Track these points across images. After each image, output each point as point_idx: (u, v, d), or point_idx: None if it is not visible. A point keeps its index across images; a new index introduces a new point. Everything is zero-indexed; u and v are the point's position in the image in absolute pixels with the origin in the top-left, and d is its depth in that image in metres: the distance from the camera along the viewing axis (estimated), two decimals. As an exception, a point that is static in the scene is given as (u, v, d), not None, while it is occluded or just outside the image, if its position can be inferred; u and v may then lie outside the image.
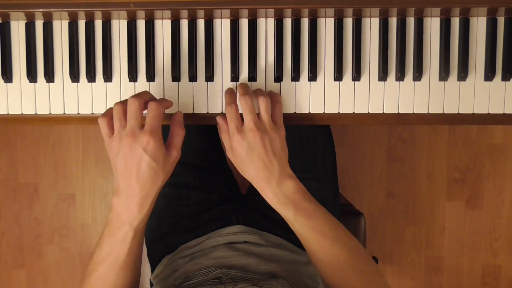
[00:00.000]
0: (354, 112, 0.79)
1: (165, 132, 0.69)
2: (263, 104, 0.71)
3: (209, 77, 0.78)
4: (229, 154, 0.74)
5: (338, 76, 0.78)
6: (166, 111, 0.75)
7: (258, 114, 0.72)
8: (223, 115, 0.76)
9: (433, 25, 0.78)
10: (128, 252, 0.69)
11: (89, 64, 0.78)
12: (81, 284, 0.74)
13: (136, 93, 0.75)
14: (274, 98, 0.74)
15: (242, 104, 0.70)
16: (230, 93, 0.75)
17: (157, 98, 0.74)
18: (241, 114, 0.72)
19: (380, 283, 0.72)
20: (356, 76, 0.78)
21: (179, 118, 0.72)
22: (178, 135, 0.71)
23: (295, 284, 0.75)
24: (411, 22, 0.78)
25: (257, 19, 0.78)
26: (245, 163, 0.71)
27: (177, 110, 0.79)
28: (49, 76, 0.79)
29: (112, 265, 0.70)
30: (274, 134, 0.71)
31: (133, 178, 0.66)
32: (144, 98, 0.68)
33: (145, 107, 0.69)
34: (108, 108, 0.72)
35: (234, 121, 0.71)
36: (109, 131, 0.68)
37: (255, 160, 0.70)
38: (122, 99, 0.79)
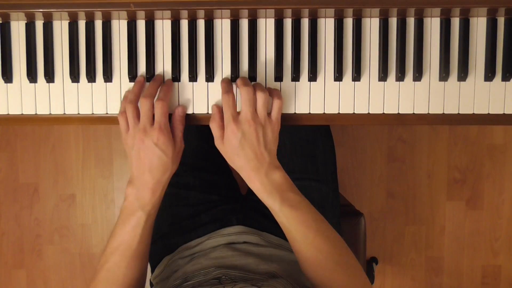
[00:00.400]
0: (354, 113, 0.79)
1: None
2: (261, 99, 0.72)
3: (209, 77, 0.78)
4: (217, 142, 0.75)
5: (338, 76, 0.78)
6: (170, 110, 0.78)
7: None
8: (217, 103, 0.78)
9: (433, 25, 0.78)
10: (140, 239, 0.74)
11: (89, 64, 0.78)
12: (93, 279, 0.76)
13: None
14: (274, 94, 0.75)
15: (244, 95, 0.72)
16: (227, 82, 0.77)
17: (161, 77, 0.79)
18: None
19: (361, 277, 0.73)
20: (356, 76, 0.78)
21: (179, 113, 0.77)
22: (178, 129, 0.76)
23: (294, 284, 0.75)
24: (411, 22, 0.78)
25: (257, 19, 0.78)
26: (236, 152, 0.72)
27: (177, 106, 0.79)
28: (49, 76, 0.79)
29: (124, 253, 0.74)
30: (268, 127, 0.73)
31: (146, 168, 0.73)
32: (154, 94, 0.75)
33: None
34: (121, 105, 0.78)
35: (230, 110, 0.72)
36: (127, 127, 0.75)
37: (247, 150, 0.72)
38: (130, 98, 0.79)
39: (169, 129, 0.74)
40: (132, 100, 0.74)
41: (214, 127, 0.75)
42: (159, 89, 0.77)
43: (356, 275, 0.73)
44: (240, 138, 0.71)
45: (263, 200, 0.74)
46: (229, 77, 0.78)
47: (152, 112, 0.73)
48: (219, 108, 0.76)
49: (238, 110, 0.74)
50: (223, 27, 0.78)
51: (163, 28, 0.78)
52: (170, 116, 0.77)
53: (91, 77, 0.78)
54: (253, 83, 0.78)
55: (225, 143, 0.73)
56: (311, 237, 0.72)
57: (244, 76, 0.79)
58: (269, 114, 0.74)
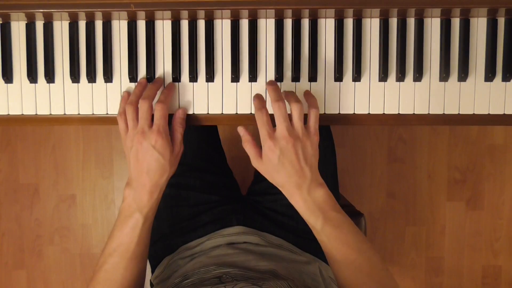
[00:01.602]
0: (354, 113, 0.79)
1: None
2: (296, 111, 0.71)
3: (210, 77, 0.78)
4: (254, 162, 0.73)
5: (339, 77, 0.78)
6: (171, 111, 0.78)
7: (291, 120, 0.71)
8: (243, 125, 0.77)
9: (433, 25, 0.78)
10: (138, 241, 0.74)
11: (89, 64, 0.78)
12: (91, 279, 0.76)
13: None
14: (310, 102, 0.74)
15: (276, 111, 0.70)
16: (259, 98, 0.75)
17: (161, 81, 0.79)
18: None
19: None
20: (357, 77, 0.78)
21: (179, 116, 0.77)
22: (178, 131, 0.76)
23: (295, 283, 0.75)
24: (411, 22, 0.78)
25: (258, 20, 0.78)
26: (277, 169, 0.71)
27: (178, 109, 0.79)
28: (50, 76, 0.79)
29: (122, 255, 0.73)
30: (306, 141, 0.71)
31: (143, 170, 0.73)
32: (153, 96, 0.75)
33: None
34: (120, 105, 0.77)
35: (265, 127, 0.71)
36: (126, 128, 0.75)
37: (287, 166, 0.70)
38: (129, 99, 0.79)
39: (168, 132, 0.74)
40: (132, 101, 0.74)
41: (248, 148, 0.73)
42: (160, 92, 0.77)
43: None
44: (278, 155, 0.70)
45: (305, 218, 0.73)
46: (231, 78, 0.78)
47: (150, 114, 0.73)
48: (245, 128, 0.74)
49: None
50: (223, 27, 0.78)
51: (163, 28, 0.78)
52: (170, 118, 0.77)
53: (92, 78, 0.78)
54: (284, 91, 0.76)
55: (264, 162, 0.72)
56: (353, 258, 0.71)
57: (245, 76, 0.78)
58: (306, 125, 0.72)
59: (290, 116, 0.71)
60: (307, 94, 0.76)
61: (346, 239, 0.71)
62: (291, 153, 0.70)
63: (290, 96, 0.73)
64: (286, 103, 0.72)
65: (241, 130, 0.75)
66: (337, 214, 0.72)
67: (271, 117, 0.72)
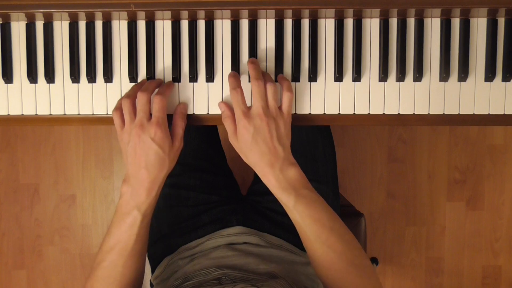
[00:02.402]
0: (354, 113, 0.79)
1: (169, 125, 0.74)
2: (271, 91, 0.72)
3: (210, 78, 0.78)
4: (231, 139, 0.74)
5: (339, 77, 0.78)
6: (170, 110, 0.77)
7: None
8: (224, 100, 0.77)
9: (433, 26, 0.78)
10: (136, 238, 0.72)
11: (89, 65, 0.78)
12: (88, 277, 0.75)
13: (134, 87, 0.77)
14: (284, 86, 0.75)
15: (254, 88, 0.71)
16: (234, 76, 0.75)
17: (161, 80, 0.79)
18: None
19: (373, 278, 0.73)
20: (357, 77, 0.78)
21: (180, 110, 0.76)
22: (179, 126, 0.75)
23: (294, 284, 0.75)
24: (411, 23, 0.78)
25: (258, 20, 0.78)
26: (250, 147, 0.71)
27: (178, 103, 0.79)
28: (50, 76, 0.79)
29: (121, 252, 0.73)
30: (280, 120, 0.72)
31: (142, 165, 0.71)
32: (151, 91, 0.74)
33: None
34: (117, 102, 0.76)
35: (240, 106, 0.72)
36: (122, 124, 0.73)
37: (261, 144, 0.71)
38: (127, 93, 0.79)
39: (167, 125, 0.73)
40: (129, 95, 0.73)
41: (228, 123, 0.74)
42: (159, 87, 0.76)
43: (368, 276, 0.72)
44: (252, 132, 0.70)
45: (277, 197, 0.73)
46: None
47: (149, 107, 0.72)
48: (227, 104, 0.75)
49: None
50: (223, 27, 0.78)
51: (163, 28, 0.78)
52: (170, 118, 0.77)
53: (92, 78, 0.78)
54: (256, 67, 0.76)
55: (238, 139, 0.72)
56: (325, 236, 0.71)
57: (245, 76, 0.78)
58: (279, 107, 0.73)
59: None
60: (281, 78, 0.77)
61: (319, 217, 0.72)
62: (265, 131, 0.70)
63: (267, 78, 0.74)
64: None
65: (222, 106, 0.76)
66: (309, 192, 0.73)
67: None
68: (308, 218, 0.71)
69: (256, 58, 0.78)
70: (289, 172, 0.72)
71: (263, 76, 0.74)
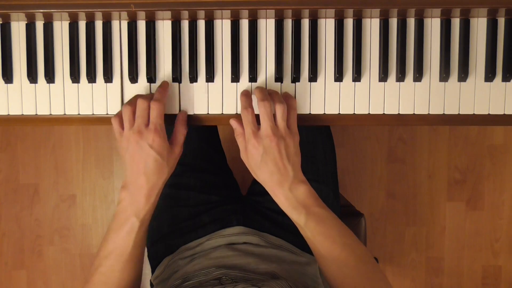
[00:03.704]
0: (354, 113, 0.79)
1: (168, 130, 0.75)
2: (280, 110, 0.72)
3: (210, 78, 0.78)
4: (243, 156, 0.75)
5: (339, 77, 0.78)
6: (169, 111, 0.78)
7: (274, 120, 0.73)
8: (236, 117, 0.77)
9: (433, 26, 0.78)
10: (134, 244, 0.73)
11: (89, 65, 0.78)
12: (86, 282, 0.75)
13: (137, 93, 0.78)
14: (289, 104, 0.75)
15: (261, 110, 0.72)
16: (246, 95, 0.76)
17: (154, 94, 0.77)
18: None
19: None
20: (357, 77, 0.78)
21: (182, 117, 0.77)
22: (180, 133, 0.76)
23: (295, 284, 0.75)
24: (411, 23, 0.78)
25: (258, 20, 0.78)
26: (259, 167, 0.72)
27: (179, 110, 0.79)
28: (50, 76, 0.79)
29: (118, 258, 0.73)
30: (289, 140, 0.72)
31: (140, 171, 0.71)
32: (151, 97, 0.74)
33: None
34: (114, 107, 0.77)
35: (250, 126, 0.72)
36: (121, 130, 0.74)
37: (270, 164, 0.71)
38: (123, 100, 0.79)
39: (165, 131, 0.73)
40: (130, 102, 0.74)
41: (240, 141, 0.75)
42: (155, 91, 0.76)
43: None
44: (262, 153, 0.71)
45: (288, 215, 0.73)
46: (231, 78, 0.78)
47: (147, 113, 0.72)
48: (239, 121, 0.75)
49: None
50: (223, 27, 0.78)
51: (163, 28, 0.78)
52: (170, 118, 0.77)
53: (92, 78, 0.78)
54: (269, 90, 0.77)
55: (248, 157, 0.73)
56: (337, 252, 0.71)
57: (245, 76, 0.78)
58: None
59: (273, 116, 0.73)
60: (287, 96, 0.77)
61: (330, 234, 0.72)
62: (274, 151, 0.71)
63: (275, 97, 0.74)
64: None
65: (234, 123, 0.76)
66: (320, 209, 0.73)
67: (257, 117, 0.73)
68: (319, 235, 0.72)
69: (256, 58, 0.78)
70: (298, 190, 0.72)
71: (272, 95, 0.74)
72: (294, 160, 0.73)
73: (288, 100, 0.76)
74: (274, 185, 0.72)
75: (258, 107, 0.73)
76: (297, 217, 0.72)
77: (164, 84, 0.77)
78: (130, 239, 0.72)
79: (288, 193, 0.72)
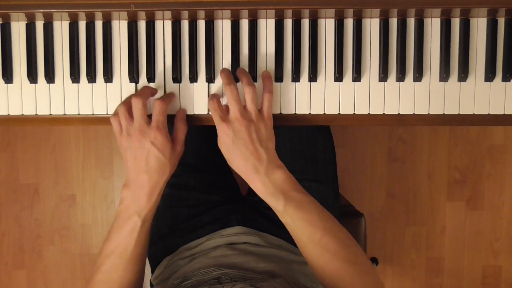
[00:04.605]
0: (354, 113, 0.79)
1: (169, 129, 0.74)
2: (249, 94, 0.71)
3: (210, 78, 0.78)
4: (218, 144, 0.73)
5: (339, 77, 0.78)
6: (170, 111, 0.77)
7: (244, 105, 0.72)
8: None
9: (433, 26, 0.78)
10: (136, 243, 0.72)
11: (89, 65, 0.78)
12: (88, 281, 0.76)
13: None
14: (266, 87, 0.74)
15: (227, 94, 0.71)
16: (212, 95, 0.75)
17: (156, 90, 0.78)
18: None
19: (371, 274, 0.72)
20: (357, 77, 0.78)
21: (182, 115, 0.77)
22: (181, 131, 0.75)
23: (294, 283, 0.75)
24: (411, 23, 0.78)
25: (258, 20, 0.78)
26: (231, 152, 0.71)
27: (179, 109, 0.79)
28: (50, 76, 0.79)
29: (120, 256, 0.73)
30: (260, 123, 0.71)
31: (142, 169, 0.71)
32: (146, 96, 0.73)
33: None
34: (114, 107, 0.77)
35: (217, 112, 0.71)
36: (120, 129, 0.73)
37: (241, 148, 0.70)
38: (123, 100, 0.79)
39: (167, 129, 0.73)
40: (125, 101, 0.73)
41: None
42: (158, 95, 0.77)
43: (366, 272, 0.71)
44: (232, 137, 0.70)
45: (266, 201, 0.72)
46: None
47: (145, 111, 0.71)
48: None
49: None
50: (223, 27, 0.78)
51: (163, 28, 0.78)
52: (170, 118, 0.77)
53: (92, 78, 0.78)
54: (239, 69, 0.76)
55: (220, 145, 0.72)
56: (318, 237, 0.70)
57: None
58: (259, 109, 0.73)
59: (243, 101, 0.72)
60: (264, 77, 0.76)
61: (310, 218, 0.70)
62: (244, 134, 0.70)
63: (243, 78, 0.73)
64: (239, 86, 0.73)
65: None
66: (298, 193, 0.71)
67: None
68: (299, 220, 0.70)
69: (256, 58, 0.78)
70: (275, 175, 0.71)
71: (240, 76, 0.74)
72: (267, 145, 0.71)
73: (265, 82, 0.75)
74: (249, 171, 0.70)
75: (224, 91, 0.72)
76: (275, 203, 0.71)
77: (171, 95, 0.77)
78: (132, 238, 0.72)
79: (265, 178, 0.70)
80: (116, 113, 0.74)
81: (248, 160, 0.70)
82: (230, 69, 0.78)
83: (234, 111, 0.70)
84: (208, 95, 0.79)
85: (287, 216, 0.71)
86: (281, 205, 0.70)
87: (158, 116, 0.71)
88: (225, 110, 0.72)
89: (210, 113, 0.76)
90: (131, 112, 0.72)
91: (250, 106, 0.71)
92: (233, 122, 0.70)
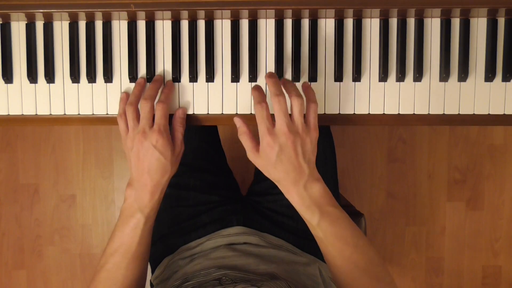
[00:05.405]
0: (354, 113, 0.79)
1: (170, 129, 0.76)
2: (297, 105, 0.69)
3: (210, 77, 0.78)
4: (250, 155, 0.72)
5: (339, 77, 0.78)
6: (169, 110, 0.77)
7: (290, 115, 0.70)
8: (239, 115, 0.76)
9: (433, 26, 0.78)
10: (139, 241, 0.74)
11: (89, 65, 0.78)
12: (92, 279, 0.76)
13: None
14: (308, 97, 0.72)
15: (276, 106, 0.68)
16: (259, 90, 0.72)
17: (160, 95, 0.78)
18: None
19: None
20: (357, 77, 0.78)
21: (179, 116, 0.77)
22: (179, 131, 0.76)
23: (294, 285, 0.75)
24: (411, 23, 0.78)
25: (258, 20, 0.78)
26: (274, 165, 0.69)
27: (177, 108, 0.79)
28: (50, 76, 0.79)
29: (124, 255, 0.73)
30: (306, 137, 0.70)
31: (144, 170, 0.73)
32: (154, 96, 0.75)
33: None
34: (119, 107, 0.77)
35: (265, 122, 0.69)
36: (126, 129, 0.75)
37: (285, 163, 0.69)
38: (129, 100, 0.78)
39: (169, 132, 0.74)
40: (132, 102, 0.74)
41: (244, 140, 0.71)
42: (160, 91, 0.77)
43: None
44: (277, 151, 0.68)
45: (301, 214, 0.71)
46: (231, 78, 0.78)
47: (152, 114, 0.73)
48: (242, 119, 0.73)
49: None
50: (223, 27, 0.78)
51: (163, 28, 0.78)
52: (170, 118, 0.77)
53: (92, 78, 0.78)
54: (283, 79, 0.75)
55: (261, 157, 0.70)
56: (348, 253, 0.70)
57: (245, 76, 0.78)
58: (305, 120, 0.70)
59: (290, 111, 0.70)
60: (306, 87, 0.75)
61: (343, 235, 0.70)
62: (290, 149, 0.68)
63: (291, 89, 0.71)
64: (286, 96, 0.70)
65: (237, 121, 0.73)
66: (334, 209, 0.71)
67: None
68: (331, 236, 0.70)
69: (256, 58, 0.78)
70: (313, 189, 0.70)
71: (287, 87, 0.72)
72: (310, 158, 0.70)
73: (307, 93, 0.73)
74: (289, 184, 0.70)
75: (272, 102, 0.69)
76: (310, 217, 0.70)
77: (169, 84, 0.77)
78: (136, 235, 0.73)
79: (303, 191, 0.69)
80: (122, 113, 0.75)
81: (289, 173, 0.69)
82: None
83: (281, 125, 0.68)
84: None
85: (320, 230, 0.70)
86: (316, 219, 0.70)
87: (160, 119, 0.73)
88: (271, 121, 0.70)
89: (235, 122, 0.74)
90: (138, 113, 0.74)
91: (297, 118, 0.69)
92: (279, 136, 0.68)
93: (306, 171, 0.70)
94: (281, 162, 0.69)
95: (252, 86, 0.77)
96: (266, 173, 0.72)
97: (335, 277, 0.73)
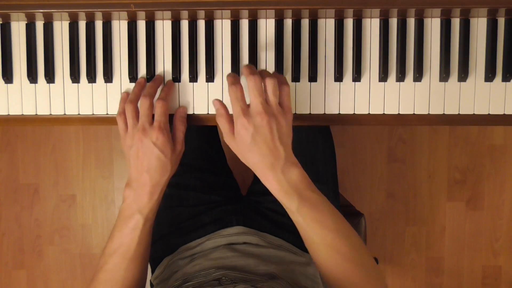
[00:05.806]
0: (354, 113, 0.79)
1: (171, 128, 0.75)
2: (270, 86, 0.67)
3: (210, 77, 0.78)
4: (227, 139, 0.70)
5: (339, 77, 0.78)
6: (169, 110, 0.77)
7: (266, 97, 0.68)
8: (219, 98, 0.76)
9: (433, 26, 0.78)
10: (139, 241, 0.73)
11: (89, 65, 0.78)
12: (91, 280, 0.75)
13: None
14: (280, 79, 0.71)
15: (250, 85, 0.67)
16: (233, 75, 0.72)
17: (162, 79, 0.78)
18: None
19: (379, 279, 0.71)
20: (357, 77, 0.78)
21: (180, 114, 0.77)
22: (180, 130, 0.75)
23: (294, 285, 0.75)
24: (411, 23, 0.78)
25: (258, 20, 0.78)
26: (249, 148, 0.67)
27: (178, 107, 0.79)
28: (50, 76, 0.79)
29: (123, 255, 0.73)
30: (281, 118, 0.68)
31: (144, 169, 0.71)
32: (154, 94, 0.75)
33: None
34: (119, 105, 0.77)
35: (239, 103, 0.67)
36: (126, 128, 0.74)
37: (261, 145, 0.67)
38: (129, 98, 0.78)
39: (169, 129, 0.73)
40: (132, 100, 0.74)
41: (222, 122, 0.70)
42: (160, 90, 0.77)
43: (375, 277, 0.71)
44: (252, 132, 0.66)
45: (280, 200, 0.70)
46: (230, 77, 0.78)
47: (151, 112, 0.73)
48: (221, 102, 0.73)
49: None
50: (223, 27, 0.78)
51: (163, 28, 0.78)
52: (171, 117, 0.77)
53: (92, 78, 0.78)
54: (259, 70, 0.75)
55: (236, 139, 0.68)
56: (330, 238, 0.68)
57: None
58: (278, 103, 0.69)
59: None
60: (276, 73, 0.74)
61: (323, 219, 0.68)
62: (265, 130, 0.66)
63: (264, 73, 0.70)
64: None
65: (216, 103, 0.72)
66: (313, 193, 0.69)
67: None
68: (312, 221, 0.68)
69: (256, 58, 0.78)
70: (291, 173, 0.68)
71: (261, 71, 0.71)
72: (286, 141, 0.68)
73: (278, 76, 0.72)
74: (266, 169, 0.67)
75: (247, 81, 0.67)
76: (289, 202, 0.68)
77: (169, 83, 0.77)
78: (135, 236, 0.72)
79: (280, 176, 0.67)
80: (121, 112, 0.74)
81: (266, 157, 0.67)
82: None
83: (256, 104, 0.66)
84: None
85: (300, 216, 0.68)
86: (294, 204, 0.68)
87: (161, 116, 0.72)
88: (246, 102, 0.68)
89: (213, 105, 0.73)
90: (138, 111, 0.73)
91: (272, 99, 0.67)
92: (254, 116, 0.66)
93: (283, 155, 0.67)
94: (256, 144, 0.67)
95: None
96: (242, 158, 0.70)
97: (318, 264, 0.72)
